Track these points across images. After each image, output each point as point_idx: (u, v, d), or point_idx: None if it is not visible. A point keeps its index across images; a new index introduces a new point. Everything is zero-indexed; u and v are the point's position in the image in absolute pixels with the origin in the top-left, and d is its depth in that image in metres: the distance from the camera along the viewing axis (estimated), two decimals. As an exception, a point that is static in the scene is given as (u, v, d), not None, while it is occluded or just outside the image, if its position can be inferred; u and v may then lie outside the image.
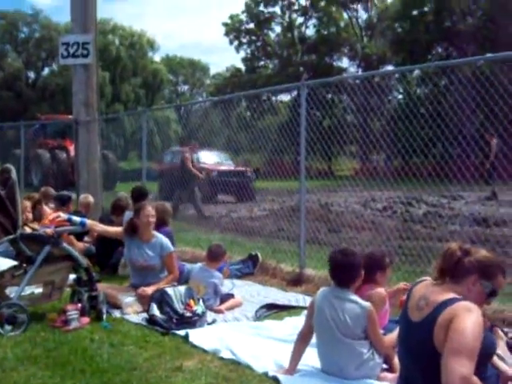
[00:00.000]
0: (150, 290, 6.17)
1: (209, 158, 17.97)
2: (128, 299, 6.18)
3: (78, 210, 9.13)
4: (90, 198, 9.66)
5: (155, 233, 6.79)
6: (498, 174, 13.55)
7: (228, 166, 17.29)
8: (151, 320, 5.68)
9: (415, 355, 3.21)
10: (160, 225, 7.30)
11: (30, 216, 8.30)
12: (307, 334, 4.40)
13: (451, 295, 3.16)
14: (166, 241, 6.72)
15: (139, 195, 8.35)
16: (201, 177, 14.01)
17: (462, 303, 3.08)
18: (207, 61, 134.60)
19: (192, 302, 5.80)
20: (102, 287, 6.31)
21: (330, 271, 4.35)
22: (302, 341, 4.41)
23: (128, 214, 7.72)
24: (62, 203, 8.92)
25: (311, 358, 4.46)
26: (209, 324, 5.79)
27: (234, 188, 13.07)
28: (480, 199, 14.46)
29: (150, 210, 6.73)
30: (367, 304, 4.21)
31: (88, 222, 6.70)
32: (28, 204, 8.38)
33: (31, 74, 62.12)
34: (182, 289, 5.97)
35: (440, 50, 42.37)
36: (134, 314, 6.04)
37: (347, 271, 4.26)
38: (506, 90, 6.39)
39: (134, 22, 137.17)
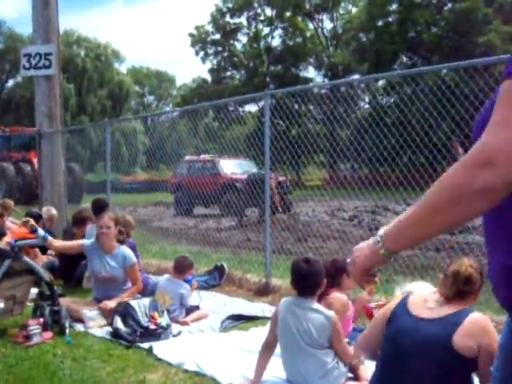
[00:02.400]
0: (112, 303, 6.08)
1: (234, 167, 17.14)
2: (90, 313, 6.09)
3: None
4: (53, 211, 9.57)
5: (117, 244, 6.71)
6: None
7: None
8: (115, 333, 5.60)
9: (426, 349, 3.13)
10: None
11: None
12: (272, 343, 4.36)
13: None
14: (128, 252, 6.63)
15: (99, 207, 8.26)
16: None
17: (482, 317, 3.20)
18: (173, 72, 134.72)
19: (156, 314, 5.74)
20: (65, 301, 6.21)
21: (292, 280, 4.32)
22: (267, 350, 4.35)
23: (91, 226, 7.66)
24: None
25: (276, 367, 4.41)
26: (174, 336, 5.73)
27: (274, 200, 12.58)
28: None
29: (104, 220, 6.68)
30: (331, 313, 4.20)
31: (49, 238, 6.58)
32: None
33: (-5, 86, 61.38)
34: (146, 301, 5.90)
35: (405, 59, 42.92)
36: (97, 327, 5.95)
37: (310, 280, 4.24)
38: (467, 98, 6.47)
39: (98, 33, 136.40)
